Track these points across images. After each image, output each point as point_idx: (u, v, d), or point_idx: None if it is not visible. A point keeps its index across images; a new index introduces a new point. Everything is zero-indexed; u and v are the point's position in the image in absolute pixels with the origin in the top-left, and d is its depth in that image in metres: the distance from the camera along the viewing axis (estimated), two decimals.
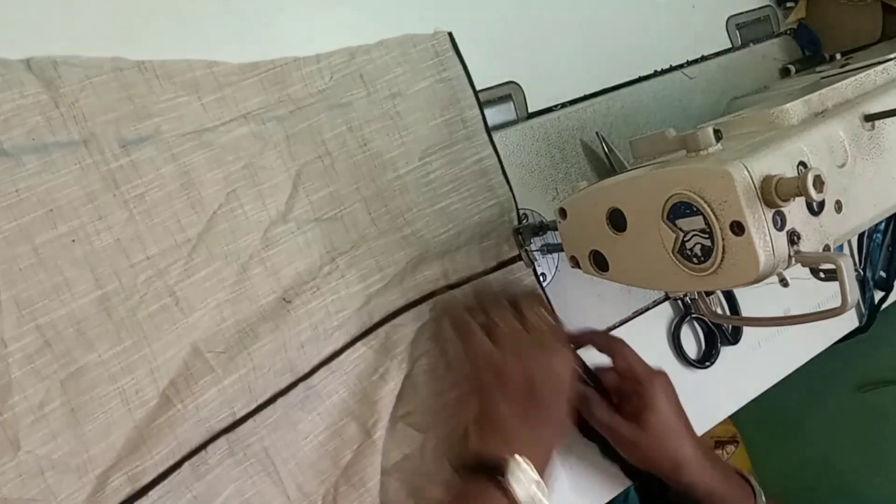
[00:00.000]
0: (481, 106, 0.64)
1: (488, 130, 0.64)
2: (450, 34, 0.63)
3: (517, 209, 0.66)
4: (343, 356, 0.57)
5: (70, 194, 0.48)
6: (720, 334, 0.77)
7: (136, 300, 0.49)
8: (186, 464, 0.50)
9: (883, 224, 0.89)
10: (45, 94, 0.47)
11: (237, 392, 0.52)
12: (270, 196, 0.55)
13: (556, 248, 0.65)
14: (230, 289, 0.53)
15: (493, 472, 0.52)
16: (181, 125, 0.52)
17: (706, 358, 0.76)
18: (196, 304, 0.51)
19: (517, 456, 0.52)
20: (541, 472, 0.54)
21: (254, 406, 0.53)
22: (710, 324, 0.76)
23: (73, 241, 0.48)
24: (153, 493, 0.48)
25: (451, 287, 0.62)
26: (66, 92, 0.48)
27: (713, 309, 0.61)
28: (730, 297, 0.77)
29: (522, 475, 0.52)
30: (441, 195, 0.62)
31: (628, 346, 0.65)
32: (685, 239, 0.46)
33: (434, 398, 0.61)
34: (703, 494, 0.62)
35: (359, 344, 0.57)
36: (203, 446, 0.51)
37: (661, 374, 0.64)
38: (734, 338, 0.77)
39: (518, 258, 0.65)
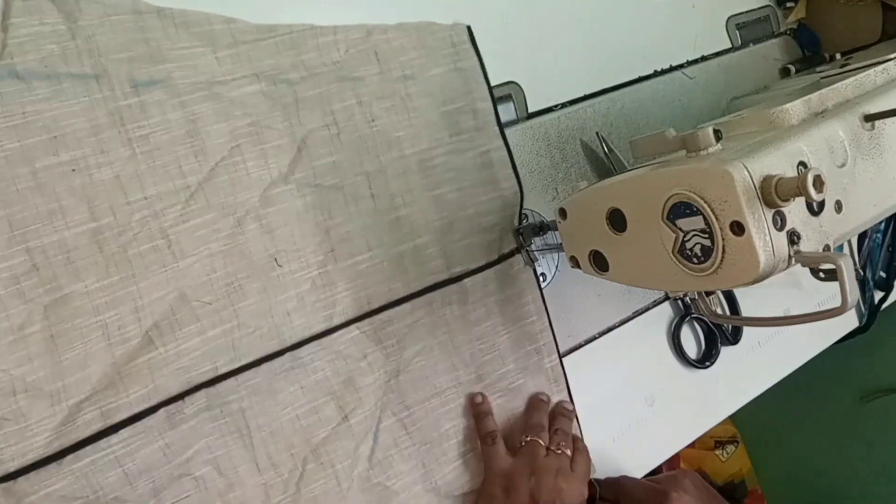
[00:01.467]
0: (494, 100, 0.64)
1: (500, 124, 0.64)
2: (468, 27, 0.64)
3: (521, 205, 0.65)
4: (336, 335, 0.57)
5: (76, 125, 0.48)
6: (720, 334, 0.77)
7: (129, 237, 0.50)
8: (162, 410, 0.50)
9: (883, 224, 0.89)
10: (63, 25, 0.48)
11: (220, 347, 0.52)
12: (274, 156, 0.55)
13: (557, 249, 0.65)
14: (223, 241, 0.53)
15: None
16: (193, 74, 0.52)
17: (706, 358, 0.76)
18: (188, 250, 0.51)
19: None
20: None
21: (237, 365, 0.53)
22: (710, 324, 0.76)
23: (73, 170, 0.48)
24: (124, 432, 0.49)
25: (453, 280, 0.62)
26: (84, 25, 0.49)
27: (713, 309, 0.61)
28: (730, 297, 0.77)
29: None
30: (441, 182, 0.62)
31: (629, 479, 0.66)
32: (685, 239, 0.46)
33: (433, 399, 0.61)
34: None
35: (353, 326, 0.58)
36: (181, 396, 0.51)
37: (679, 483, 0.63)
38: (734, 338, 0.77)
39: (517, 251, 0.65)
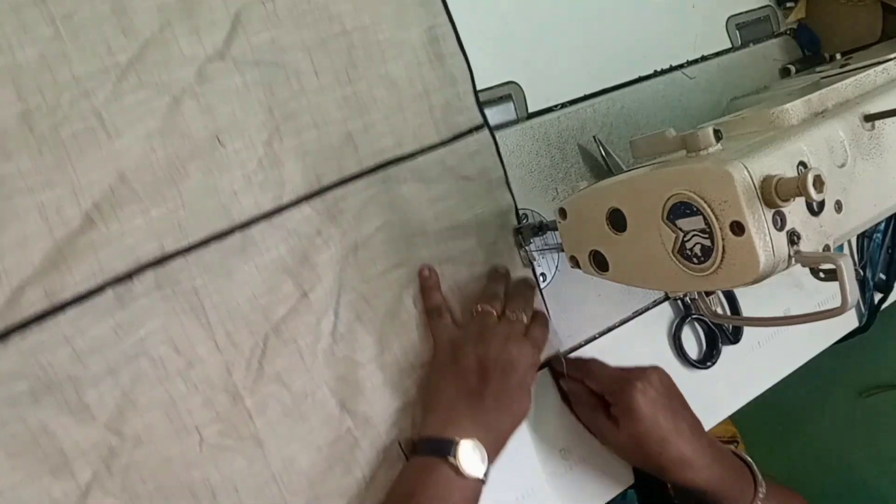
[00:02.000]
0: None
1: (444, 3, 0.63)
2: None
3: (472, 77, 0.64)
4: (286, 213, 0.56)
5: None
6: (721, 334, 0.77)
7: (60, 117, 0.49)
8: (110, 289, 0.50)
9: (883, 224, 0.89)
10: None
11: (166, 226, 0.52)
12: (207, 33, 0.54)
13: (557, 249, 0.65)
14: (161, 120, 0.52)
15: (441, 451, 0.52)
16: None
17: (707, 358, 0.76)
18: (124, 129, 0.51)
19: (465, 438, 0.53)
20: (490, 452, 0.54)
21: (185, 244, 0.53)
22: (711, 324, 0.76)
23: None
24: (71, 312, 0.48)
25: (405, 158, 0.61)
26: None
27: (713, 309, 0.61)
28: (730, 297, 0.77)
29: (472, 453, 0.53)
30: (387, 59, 0.61)
31: (598, 363, 0.65)
32: (685, 239, 0.46)
33: (395, 271, 0.60)
34: (699, 492, 0.61)
35: (304, 204, 0.57)
36: (129, 276, 0.51)
37: (647, 375, 0.62)
38: (735, 337, 0.77)
39: (477, 129, 0.65)
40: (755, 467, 0.63)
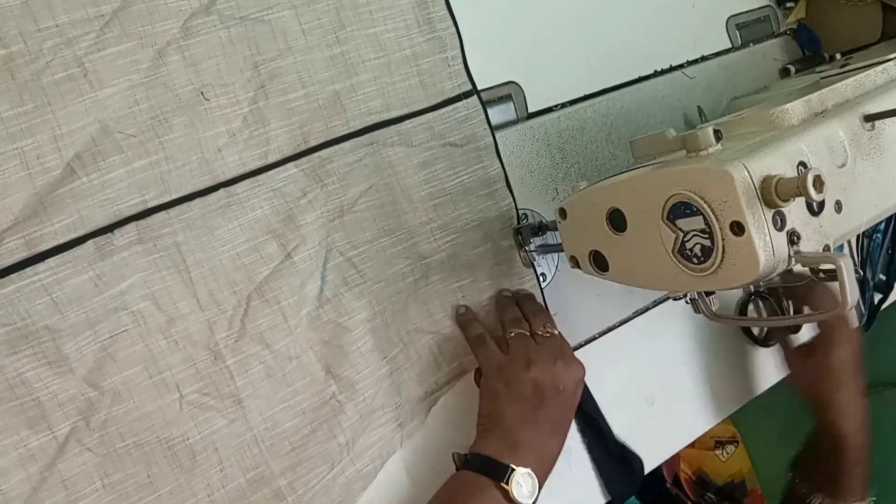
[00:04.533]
0: None
1: None
2: None
3: (461, 43, 0.64)
4: (272, 172, 0.56)
5: None
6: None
7: (42, 65, 0.48)
8: (90, 241, 0.50)
9: (883, 224, 0.89)
10: None
11: (148, 179, 0.51)
12: None
13: (555, 249, 0.65)
14: (145, 72, 0.52)
15: (495, 474, 0.53)
16: None
17: (769, 337, 0.80)
18: (107, 80, 0.50)
19: (521, 466, 0.53)
20: (541, 479, 0.55)
21: (167, 199, 0.52)
22: (775, 309, 0.78)
23: None
24: (50, 261, 0.48)
25: (393, 122, 0.61)
26: None
27: (713, 309, 0.61)
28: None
29: (523, 481, 0.53)
30: (375, 21, 0.60)
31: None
32: (685, 239, 0.46)
33: (383, 239, 0.60)
34: (839, 438, 0.70)
35: (290, 164, 0.57)
36: (110, 228, 0.50)
37: (852, 331, 0.72)
38: (797, 326, 0.80)
39: (465, 96, 0.64)
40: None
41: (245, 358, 0.54)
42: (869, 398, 0.73)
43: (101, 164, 0.50)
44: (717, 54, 0.83)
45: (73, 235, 0.49)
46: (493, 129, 0.66)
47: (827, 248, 0.47)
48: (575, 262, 0.57)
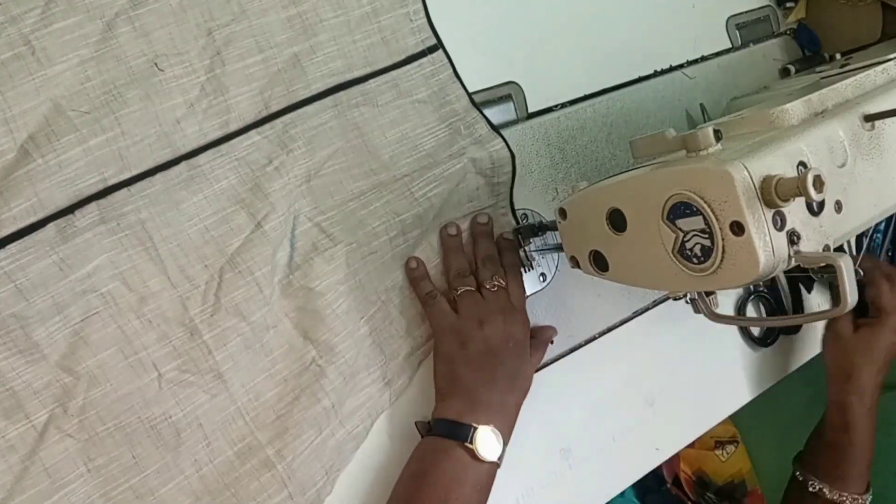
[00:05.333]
0: None
1: None
2: None
3: (426, 7, 0.63)
4: (235, 141, 0.55)
5: None
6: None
7: None
8: (51, 224, 0.49)
9: (883, 224, 0.89)
10: None
11: (106, 157, 0.50)
12: None
13: (555, 249, 0.65)
14: (94, 46, 0.50)
15: (458, 435, 0.54)
16: None
17: (768, 336, 0.80)
18: (55, 56, 0.49)
19: (484, 424, 0.54)
20: (505, 434, 0.56)
21: (127, 175, 0.51)
22: (774, 309, 0.80)
23: None
24: (11, 247, 0.47)
25: (356, 82, 0.60)
26: None
27: (713, 309, 0.61)
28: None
29: (487, 438, 0.54)
30: None
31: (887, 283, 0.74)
32: (685, 239, 0.46)
33: (351, 202, 0.59)
34: (849, 424, 0.71)
35: (253, 132, 0.55)
36: (71, 209, 0.49)
37: None
38: (797, 327, 0.82)
39: (429, 51, 0.63)
40: None
41: (222, 332, 0.53)
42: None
43: (55, 145, 0.49)
44: (717, 54, 0.83)
45: (33, 219, 0.48)
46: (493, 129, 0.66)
47: (827, 248, 0.47)
48: (575, 262, 0.57)
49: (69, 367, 0.49)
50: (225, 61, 0.54)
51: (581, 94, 0.73)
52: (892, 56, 0.60)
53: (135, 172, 0.51)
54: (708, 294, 0.56)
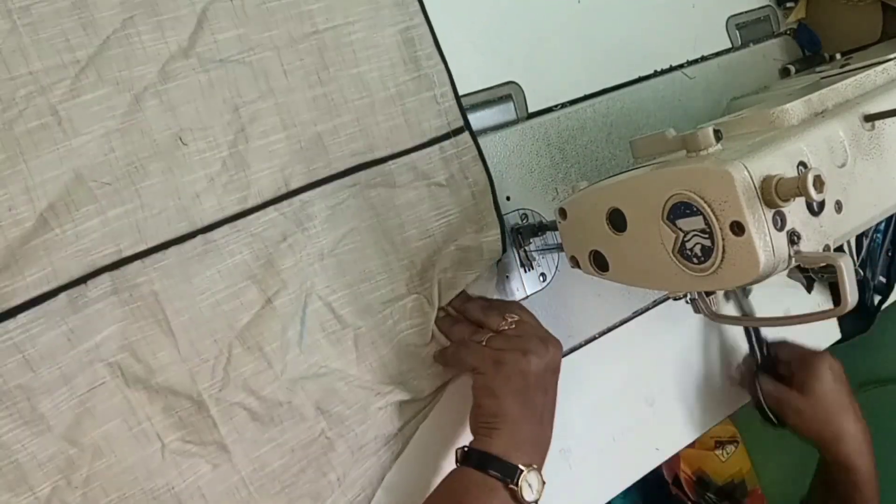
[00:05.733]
0: None
1: (421, 3, 0.62)
2: None
3: (452, 81, 0.63)
4: (252, 217, 0.55)
5: None
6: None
7: (15, 113, 0.48)
8: (63, 294, 0.48)
9: (883, 224, 0.89)
10: None
11: (123, 228, 0.50)
12: (172, 29, 0.52)
13: (555, 249, 0.65)
14: (121, 118, 0.51)
15: (506, 476, 0.53)
16: None
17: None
18: (81, 127, 0.49)
19: (528, 464, 0.53)
20: (541, 467, 0.55)
21: (143, 248, 0.51)
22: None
23: None
24: (21, 317, 0.47)
25: (377, 162, 0.60)
26: None
27: (713, 308, 0.61)
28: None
29: (532, 480, 0.53)
30: (359, 60, 0.59)
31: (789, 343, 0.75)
32: (685, 239, 0.46)
33: (363, 284, 0.59)
34: (855, 471, 0.69)
35: (271, 208, 0.55)
36: (84, 279, 0.49)
37: (828, 354, 0.73)
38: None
39: (454, 133, 0.63)
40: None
41: (229, 406, 0.53)
42: (867, 395, 0.73)
43: (74, 215, 0.49)
44: (717, 54, 0.83)
45: (46, 288, 0.48)
46: (492, 129, 0.66)
47: (827, 248, 0.47)
48: (575, 262, 0.57)
49: (74, 439, 0.49)
50: (248, 137, 0.55)
51: (581, 94, 0.73)
52: (892, 56, 0.60)
53: (150, 245, 0.51)
54: (708, 294, 0.56)
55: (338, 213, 0.58)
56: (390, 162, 0.60)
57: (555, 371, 0.58)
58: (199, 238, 0.53)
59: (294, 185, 0.56)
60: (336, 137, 0.58)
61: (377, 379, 0.59)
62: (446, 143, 0.62)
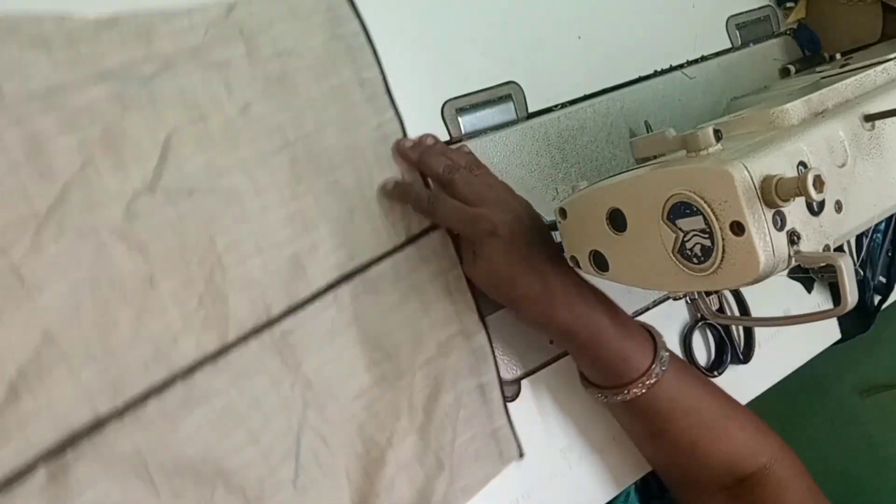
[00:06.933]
0: (381, 66, 0.59)
1: (389, 91, 0.59)
2: None
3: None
4: (233, 354, 0.51)
5: None
6: (731, 349, 0.76)
7: None
8: (42, 466, 0.45)
9: (883, 224, 0.89)
10: None
11: (98, 386, 0.47)
12: (135, 164, 0.49)
13: None
14: (87, 269, 0.47)
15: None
16: (26, 85, 0.46)
17: (714, 367, 0.76)
18: (45, 284, 0.46)
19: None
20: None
21: (120, 403, 0.48)
22: (723, 335, 0.76)
23: None
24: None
25: (359, 271, 0.57)
26: None
27: (712, 309, 0.61)
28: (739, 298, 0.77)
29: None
30: (334, 166, 0.56)
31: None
32: (685, 239, 0.46)
33: (356, 401, 0.56)
34: (562, 334, 0.57)
35: (252, 340, 0.52)
36: (62, 448, 0.46)
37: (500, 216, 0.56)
38: (745, 357, 0.77)
39: (431, 229, 0.61)
40: (659, 337, 0.59)
41: None
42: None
43: (47, 380, 0.45)
44: (717, 54, 0.83)
45: (22, 463, 0.44)
46: (492, 129, 0.66)
47: (827, 248, 0.47)
48: (575, 262, 0.57)
49: None
50: (225, 268, 0.52)
51: (581, 94, 0.73)
52: (892, 56, 0.60)
53: (127, 399, 0.48)
54: (708, 294, 0.56)
55: (323, 334, 0.55)
56: (372, 268, 0.58)
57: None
58: (179, 384, 0.49)
59: (276, 311, 0.53)
60: (314, 253, 0.55)
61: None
62: (423, 240, 0.60)
